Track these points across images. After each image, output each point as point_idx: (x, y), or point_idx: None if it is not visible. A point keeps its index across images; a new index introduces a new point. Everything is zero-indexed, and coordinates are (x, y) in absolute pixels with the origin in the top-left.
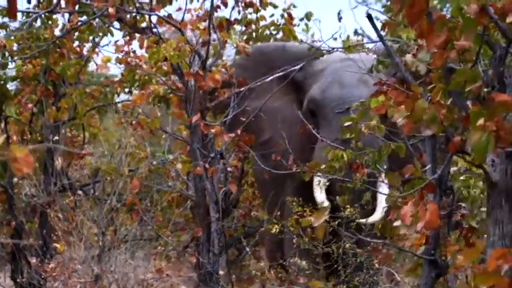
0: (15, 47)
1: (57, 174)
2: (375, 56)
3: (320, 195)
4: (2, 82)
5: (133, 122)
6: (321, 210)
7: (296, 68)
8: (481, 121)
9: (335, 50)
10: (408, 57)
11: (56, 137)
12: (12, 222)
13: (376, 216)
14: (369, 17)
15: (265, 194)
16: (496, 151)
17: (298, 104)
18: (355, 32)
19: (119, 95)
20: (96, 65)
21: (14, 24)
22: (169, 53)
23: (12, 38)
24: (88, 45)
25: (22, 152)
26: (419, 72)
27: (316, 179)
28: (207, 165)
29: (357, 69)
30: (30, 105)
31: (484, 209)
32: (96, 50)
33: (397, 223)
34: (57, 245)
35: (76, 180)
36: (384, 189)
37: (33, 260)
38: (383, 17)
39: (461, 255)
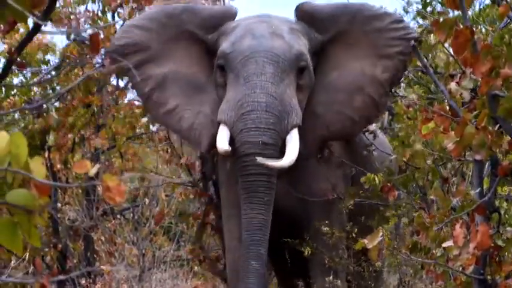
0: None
1: (99, 200)
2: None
3: (222, 142)
4: (45, 114)
5: (169, 151)
6: (375, 233)
7: None
8: None
9: None
10: (453, 85)
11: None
12: (58, 245)
13: (285, 162)
14: (414, 47)
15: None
16: None
17: (211, 69)
18: None
19: (154, 124)
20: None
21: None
22: None
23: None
24: None
25: (114, 181)
26: (462, 98)
27: (221, 128)
28: None
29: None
30: (69, 135)
31: (510, 228)
32: None
33: (448, 243)
34: (103, 267)
35: (116, 205)
36: (295, 139)
37: (83, 281)
38: None
39: None
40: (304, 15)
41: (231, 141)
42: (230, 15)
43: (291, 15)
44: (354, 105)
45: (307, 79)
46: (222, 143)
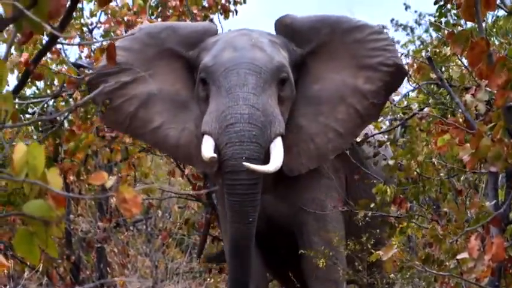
0: None
1: (112, 211)
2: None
3: (207, 150)
4: (57, 126)
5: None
6: (390, 245)
7: None
8: None
9: None
10: (468, 97)
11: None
12: (71, 257)
13: (270, 167)
14: (429, 59)
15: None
16: None
17: (193, 86)
18: None
19: None
20: None
21: None
22: None
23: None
24: None
25: (131, 193)
26: (478, 111)
27: (205, 138)
28: None
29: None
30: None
31: None
32: None
33: (463, 255)
34: (116, 279)
35: (130, 217)
36: (278, 146)
37: None
38: None
39: None
40: (284, 28)
41: (217, 152)
42: (210, 32)
43: None
44: (338, 116)
45: (288, 91)
46: (208, 151)
